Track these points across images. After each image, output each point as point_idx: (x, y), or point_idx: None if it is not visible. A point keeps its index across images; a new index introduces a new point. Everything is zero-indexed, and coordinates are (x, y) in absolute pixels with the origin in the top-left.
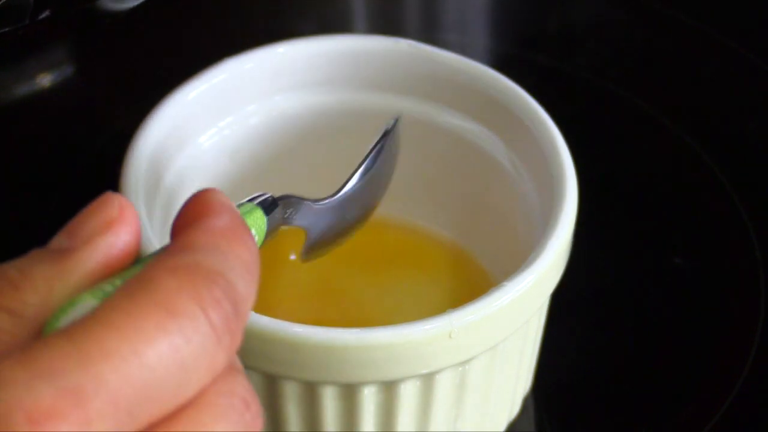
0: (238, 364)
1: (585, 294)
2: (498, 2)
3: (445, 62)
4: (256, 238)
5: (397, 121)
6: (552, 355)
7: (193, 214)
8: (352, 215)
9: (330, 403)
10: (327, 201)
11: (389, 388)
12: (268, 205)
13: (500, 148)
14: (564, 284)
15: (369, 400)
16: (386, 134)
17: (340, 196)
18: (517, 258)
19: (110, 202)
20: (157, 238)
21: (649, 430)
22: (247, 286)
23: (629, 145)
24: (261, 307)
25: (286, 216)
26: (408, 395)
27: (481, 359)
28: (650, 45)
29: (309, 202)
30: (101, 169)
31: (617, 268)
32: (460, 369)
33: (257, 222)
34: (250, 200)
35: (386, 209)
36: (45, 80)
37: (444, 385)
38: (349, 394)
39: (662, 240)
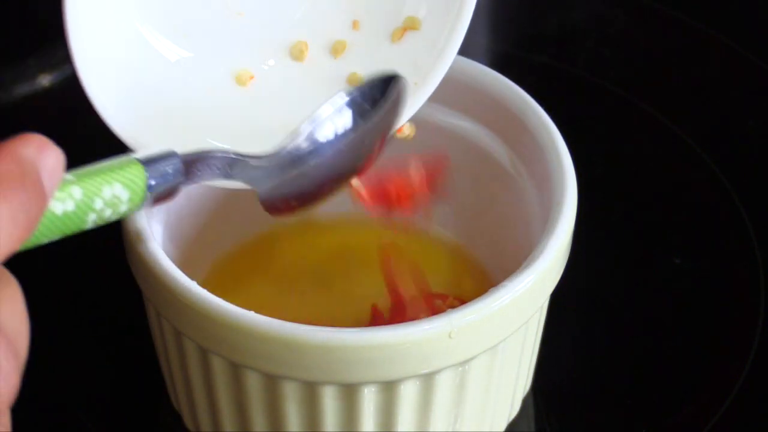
0: (12, 332)
1: (585, 294)
2: (498, 2)
3: None
4: (126, 193)
5: (390, 78)
6: (552, 355)
7: None
8: (328, 169)
9: (330, 403)
10: (267, 157)
11: (389, 388)
12: (156, 161)
13: (500, 148)
14: (564, 284)
15: (369, 400)
16: (368, 89)
17: (284, 154)
18: (517, 258)
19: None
20: (158, 240)
21: (649, 430)
22: None
23: (629, 145)
24: (261, 307)
25: (206, 170)
26: (408, 395)
27: (481, 359)
28: (650, 45)
29: (240, 158)
30: None
31: (617, 268)
32: (460, 369)
33: (129, 177)
34: (150, 156)
35: None
36: (45, 80)
37: (444, 385)
38: (349, 394)
39: (662, 240)
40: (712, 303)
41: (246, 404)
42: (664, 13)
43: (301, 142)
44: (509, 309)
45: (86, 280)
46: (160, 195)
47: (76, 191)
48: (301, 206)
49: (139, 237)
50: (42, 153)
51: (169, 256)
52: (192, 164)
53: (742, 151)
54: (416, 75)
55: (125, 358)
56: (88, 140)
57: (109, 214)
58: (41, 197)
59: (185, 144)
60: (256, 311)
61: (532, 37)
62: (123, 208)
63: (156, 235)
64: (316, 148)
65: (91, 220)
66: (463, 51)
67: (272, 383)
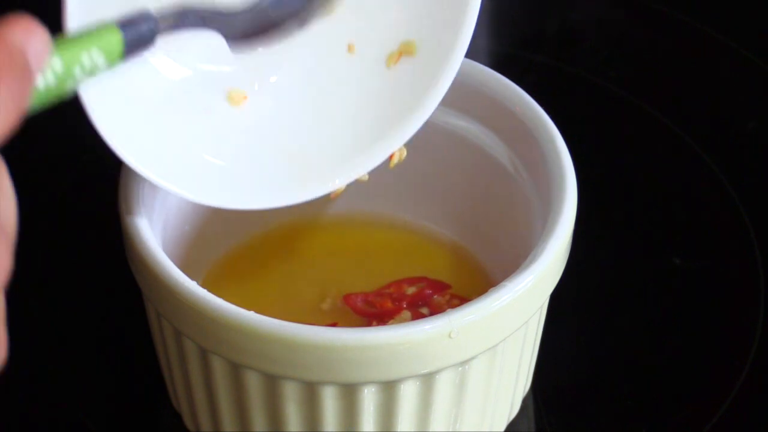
0: (4, 219)
1: (585, 294)
2: (497, 2)
3: None
4: (104, 59)
5: None
6: (552, 355)
7: None
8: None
9: (330, 403)
10: (239, 12)
11: (389, 388)
12: (133, 23)
13: (500, 148)
14: (564, 284)
15: (369, 400)
16: None
17: (255, 8)
18: (517, 258)
19: None
20: (158, 238)
21: (649, 430)
22: None
23: (629, 145)
24: (261, 307)
25: (179, 24)
26: (408, 395)
27: (481, 359)
28: (650, 45)
29: (214, 13)
30: (101, 169)
31: (617, 268)
32: (460, 369)
33: (108, 43)
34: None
35: (386, 209)
36: None
37: (444, 385)
38: (349, 394)
39: (662, 240)
40: (712, 303)
41: (246, 404)
42: (664, 13)
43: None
44: (509, 309)
45: (86, 280)
46: (135, 53)
47: (57, 64)
48: (261, 38)
49: (139, 237)
50: (29, 36)
51: (169, 256)
52: (167, 22)
53: (742, 151)
54: (412, 99)
55: (125, 358)
56: (88, 140)
57: (85, 79)
58: (29, 80)
59: (182, 167)
60: (256, 311)
61: (532, 37)
62: (99, 72)
63: (156, 235)
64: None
65: (69, 89)
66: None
67: (272, 383)
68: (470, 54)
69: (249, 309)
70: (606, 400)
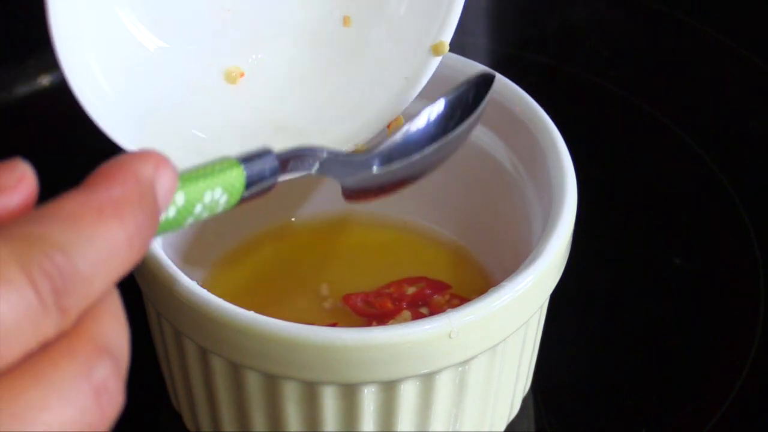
0: (118, 351)
1: (585, 294)
2: (498, 2)
3: (446, 62)
4: (225, 196)
5: (488, 79)
6: (552, 355)
7: (94, 180)
8: (410, 166)
9: (330, 403)
10: (359, 155)
11: (389, 388)
12: (254, 160)
13: (500, 148)
14: (564, 284)
15: (369, 400)
16: (468, 91)
17: (376, 153)
18: (517, 258)
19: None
20: (158, 240)
21: (649, 430)
22: (91, 266)
23: (629, 145)
24: (261, 307)
25: (299, 167)
26: (408, 395)
27: (481, 359)
28: (650, 45)
29: (332, 154)
30: None
31: (617, 268)
32: (460, 369)
33: (230, 180)
34: (247, 154)
35: (386, 209)
36: (45, 80)
37: (444, 385)
38: (349, 394)
39: (662, 240)
40: (712, 303)
41: (246, 404)
42: (664, 13)
43: (393, 143)
44: (509, 309)
45: None
46: (255, 193)
47: (180, 198)
48: (377, 196)
49: None
50: (159, 171)
51: (169, 256)
52: (287, 161)
53: (742, 151)
54: (407, 70)
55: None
56: (88, 140)
57: (205, 216)
58: (156, 216)
59: (176, 141)
60: (256, 311)
61: (532, 37)
62: (219, 210)
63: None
64: (406, 149)
65: (187, 223)
66: (463, 51)
67: (272, 383)
68: (470, 54)
69: (249, 309)
70: (606, 400)
